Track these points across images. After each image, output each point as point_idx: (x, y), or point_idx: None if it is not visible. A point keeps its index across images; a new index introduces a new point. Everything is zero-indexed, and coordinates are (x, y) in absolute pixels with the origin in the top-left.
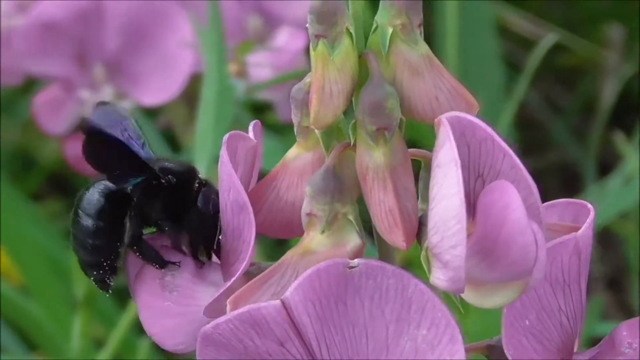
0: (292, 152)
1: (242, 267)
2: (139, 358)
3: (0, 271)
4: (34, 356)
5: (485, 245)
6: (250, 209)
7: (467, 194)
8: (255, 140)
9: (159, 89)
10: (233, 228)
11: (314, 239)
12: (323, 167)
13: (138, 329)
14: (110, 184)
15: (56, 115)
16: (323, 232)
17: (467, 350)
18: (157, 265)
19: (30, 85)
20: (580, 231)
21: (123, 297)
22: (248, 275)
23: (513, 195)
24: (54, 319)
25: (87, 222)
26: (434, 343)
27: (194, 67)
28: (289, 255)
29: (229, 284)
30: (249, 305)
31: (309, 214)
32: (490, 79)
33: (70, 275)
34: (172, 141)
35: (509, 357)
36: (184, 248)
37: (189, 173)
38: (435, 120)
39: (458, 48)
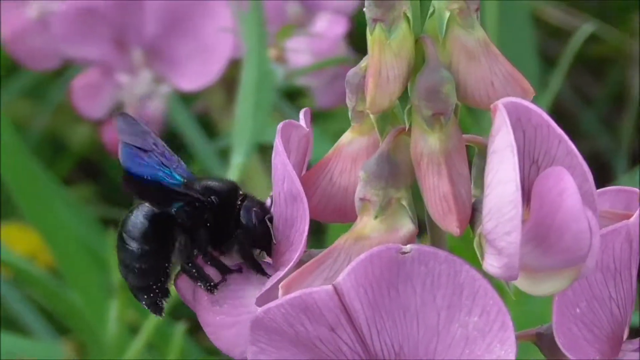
0: (346, 136)
1: (295, 256)
2: (173, 345)
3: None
4: (64, 341)
5: (540, 232)
6: (305, 198)
7: (522, 180)
8: (308, 129)
9: (197, 74)
10: (286, 218)
11: (368, 224)
12: (377, 152)
13: (172, 316)
14: (153, 208)
15: (94, 100)
16: (376, 217)
17: (516, 338)
18: (208, 285)
19: (62, 70)
20: (632, 219)
21: None
22: (299, 263)
23: (568, 182)
24: (88, 304)
25: (133, 245)
26: (485, 330)
27: (233, 52)
28: (342, 240)
29: (281, 273)
30: (301, 290)
31: (362, 199)
32: (527, 71)
33: (104, 260)
34: (209, 127)
35: (559, 345)
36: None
37: (230, 190)
38: (492, 105)
39: (498, 41)
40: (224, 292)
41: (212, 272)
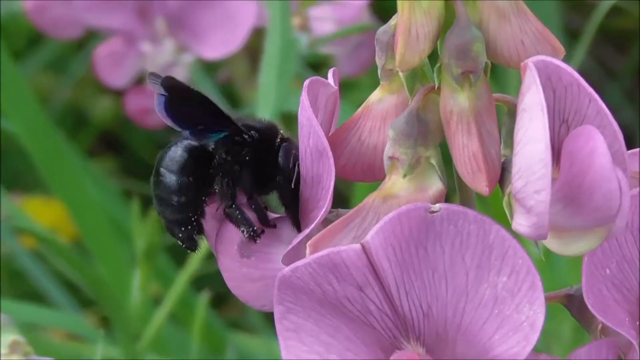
0: (375, 95)
1: (321, 213)
2: (196, 316)
3: (53, 227)
4: (86, 314)
5: (569, 191)
6: (331, 154)
7: (552, 139)
8: (336, 87)
9: (221, 42)
10: (312, 175)
11: (396, 183)
12: (407, 110)
13: (195, 286)
14: (192, 141)
15: (117, 69)
16: (405, 176)
17: (545, 299)
18: (251, 231)
19: (84, 42)
20: None
21: (180, 255)
22: (326, 222)
23: (599, 141)
24: (112, 275)
25: (172, 178)
26: (514, 290)
27: (256, 20)
28: (370, 198)
29: (307, 230)
30: (329, 248)
31: (391, 158)
32: None
33: (128, 232)
34: (233, 96)
35: (589, 306)
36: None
37: (271, 129)
38: (522, 64)
39: None
40: (253, 244)
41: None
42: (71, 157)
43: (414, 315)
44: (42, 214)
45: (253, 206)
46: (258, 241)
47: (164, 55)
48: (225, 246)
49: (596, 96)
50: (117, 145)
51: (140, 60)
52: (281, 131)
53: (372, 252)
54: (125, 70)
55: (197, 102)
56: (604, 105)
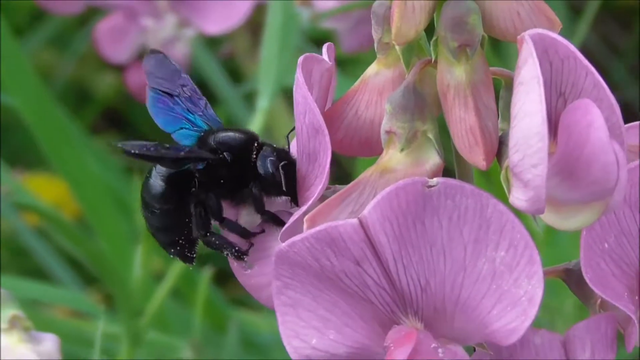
0: (372, 69)
1: (317, 190)
2: (198, 292)
3: (56, 204)
4: (89, 291)
5: (567, 165)
6: (326, 131)
7: (549, 112)
8: (331, 63)
9: (222, 17)
10: (309, 152)
11: (393, 157)
12: (403, 84)
13: (198, 263)
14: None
15: (118, 44)
16: (402, 150)
17: (544, 274)
18: (234, 252)
19: (85, 18)
20: None
21: None
22: (324, 199)
23: (596, 114)
24: (114, 251)
25: (154, 206)
26: (512, 265)
27: None
28: (367, 173)
29: (304, 207)
30: (326, 223)
31: (388, 132)
32: None
33: (130, 208)
34: (234, 71)
35: (587, 281)
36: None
37: (247, 141)
38: (518, 37)
39: None
40: (250, 254)
41: (235, 238)
42: (73, 134)
43: (412, 290)
44: (45, 190)
45: (228, 228)
46: (246, 258)
47: (165, 30)
48: (232, 265)
49: (593, 69)
50: (120, 122)
51: (141, 36)
52: (257, 141)
53: (370, 226)
54: (126, 45)
55: (153, 157)
56: (600, 79)
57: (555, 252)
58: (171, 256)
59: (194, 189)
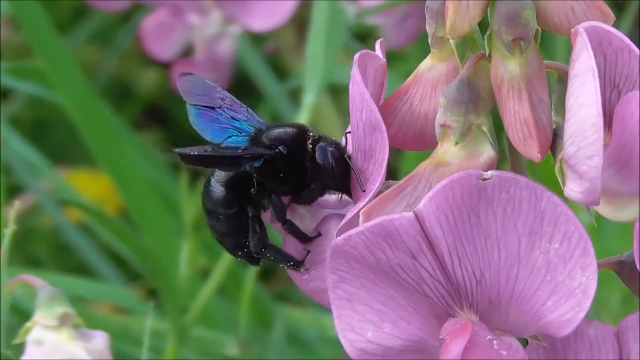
0: (425, 63)
1: (375, 187)
2: (244, 288)
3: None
4: (133, 287)
5: (621, 156)
6: (384, 128)
7: (603, 104)
8: (384, 59)
9: (268, 14)
10: (365, 149)
11: (448, 151)
12: (458, 78)
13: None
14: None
15: (163, 41)
16: (457, 143)
17: (597, 266)
18: (290, 265)
19: (129, 15)
20: None
21: None
22: (378, 195)
23: None
24: (160, 248)
25: (218, 212)
26: (566, 257)
27: None
28: (422, 166)
29: (361, 204)
30: (382, 217)
31: (442, 125)
32: None
33: (175, 204)
34: (280, 67)
35: None
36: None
37: (299, 134)
38: (572, 30)
39: None
40: (307, 262)
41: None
42: (117, 130)
43: (467, 283)
44: (88, 187)
45: (288, 230)
46: (302, 269)
47: (211, 27)
48: (289, 271)
49: None
50: (162, 118)
51: (187, 32)
52: (311, 133)
53: (425, 219)
54: (172, 42)
55: (209, 160)
56: None
57: (604, 242)
58: (238, 259)
59: (252, 190)
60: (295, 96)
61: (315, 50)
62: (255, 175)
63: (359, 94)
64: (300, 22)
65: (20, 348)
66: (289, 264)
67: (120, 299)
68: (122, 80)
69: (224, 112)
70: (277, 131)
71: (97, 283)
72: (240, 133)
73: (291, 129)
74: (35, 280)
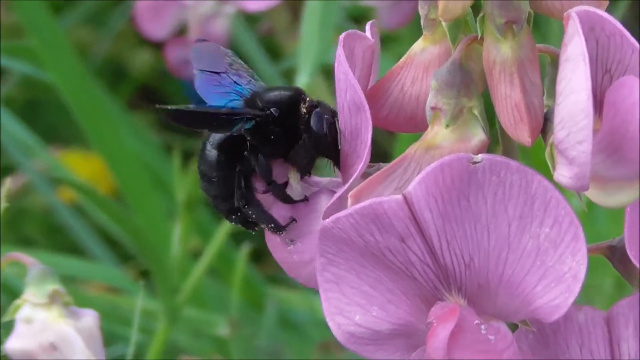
0: (418, 45)
1: (359, 167)
2: (235, 269)
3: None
4: (125, 268)
5: (612, 142)
6: (367, 108)
7: (595, 89)
8: (373, 40)
9: None
10: (351, 129)
11: (438, 133)
12: (449, 60)
13: (235, 240)
14: (220, 136)
15: (158, 20)
16: (447, 126)
17: (587, 251)
18: (271, 227)
19: None
20: None
21: None
22: (367, 176)
23: None
24: (151, 228)
25: (212, 175)
26: (556, 241)
27: None
28: (412, 149)
29: (347, 185)
30: (371, 199)
31: (433, 108)
32: None
33: (167, 185)
34: (274, 48)
35: (631, 257)
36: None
37: (293, 98)
38: (564, 14)
39: None
40: (293, 229)
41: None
42: (110, 110)
43: (456, 267)
44: (81, 167)
45: (273, 192)
46: (283, 233)
47: (205, 7)
48: (270, 239)
49: (639, 47)
50: (155, 99)
51: (181, 12)
52: (307, 97)
53: (414, 202)
54: (165, 21)
55: (200, 117)
56: None
57: (594, 227)
58: (235, 224)
59: (245, 152)
60: (288, 77)
61: (309, 31)
62: (247, 138)
63: (344, 74)
64: (294, 3)
65: (9, 326)
66: (270, 226)
67: (111, 279)
68: (115, 61)
69: (229, 77)
70: (272, 94)
71: (88, 263)
72: (241, 97)
73: (285, 92)
74: (26, 257)
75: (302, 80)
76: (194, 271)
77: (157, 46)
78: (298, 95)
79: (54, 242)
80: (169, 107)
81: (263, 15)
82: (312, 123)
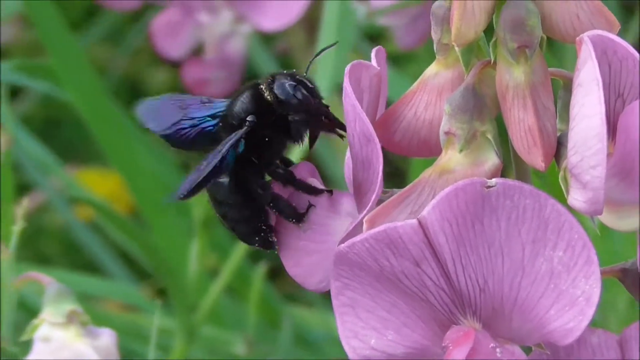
0: (431, 69)
1: (373, 197)
2: (252, 288)
3: (110, 199)
4: (142, 286)
5: (625, 166)
6: (376, 139)
7: (608, 113)
8: (379, 67)
9: (279, 13)
10: (363, 159)
11: (452, 158)
12: (463, 85)
13: (252, 259)
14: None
15: (174, 39)
16: (461, 150)
17: (601, 274)
18: (292, 219)
19: (140, 14)
20: None
21: None
22: (380, 203)
23: None
24: (169, 246)
25: (228, 201)
26: (570, 265)
27: None
28: (426, 174)
29: (362, 215)
30: (386, 224)
31: (447, 133)
32: None
33: (184, 204)
34: (290, 67)
35: None
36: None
37: (255, 95)
38: (577, 38)
39: None
40: (311, 216)
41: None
42: (128, 128)
43: (470, 290)
44: (98, 185)
45: (294, 185)
46: (312, 215)
47: (221, 26)
48: (283, 222)
49: None
50: None
51: (197, 31)
52: (261, 83)
53: (429, 227)
54: (182, 41)
55: (205, 181)
56: None
57: (608, 249)
58: (255, 246)
59: (253, 170)
60: None
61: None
62: (247, 155)
63: (351, 105)
64: (310, 22)
65: (27, 345)
66: (290, 218)
67: (128, 297)
68: (132, 79)
69: (188, 119)
70: (237, 107)
71: (105, 281)
72: (215, 125)
73: (245, 94)
74: (43, 277)
75: None
76: (211, 289)
77: (175, 64)
78: (256, 89)
79: (71, 260)
80: (177, 193)
81: (279, 34)
82: (280, 97)
